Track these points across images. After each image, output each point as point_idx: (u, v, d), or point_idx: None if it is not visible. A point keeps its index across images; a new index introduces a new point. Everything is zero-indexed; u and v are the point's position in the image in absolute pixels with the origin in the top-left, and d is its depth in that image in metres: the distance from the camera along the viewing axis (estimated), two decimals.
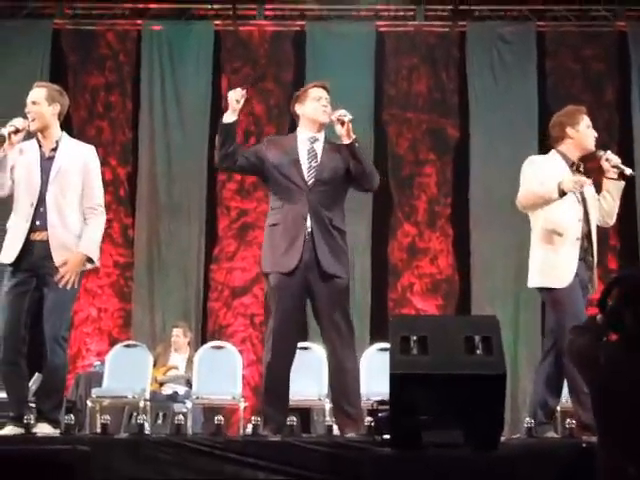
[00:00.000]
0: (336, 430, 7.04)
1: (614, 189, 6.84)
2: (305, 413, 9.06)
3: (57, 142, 6.67)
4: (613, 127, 11.39)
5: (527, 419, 7.58)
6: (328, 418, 8.27)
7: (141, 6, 11.68)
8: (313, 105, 6.62)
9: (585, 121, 6.93)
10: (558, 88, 11.57)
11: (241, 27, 11.82)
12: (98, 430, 6.97)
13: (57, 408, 6.59)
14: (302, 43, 11.76)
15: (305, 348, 9.71)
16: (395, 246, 11.22)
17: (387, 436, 5.30)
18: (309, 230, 6.37)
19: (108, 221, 7.26)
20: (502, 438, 5.30)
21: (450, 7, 11.66)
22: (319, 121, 6.61)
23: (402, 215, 11.21)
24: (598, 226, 6.94)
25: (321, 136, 6.62)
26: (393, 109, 11.32)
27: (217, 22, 11.79)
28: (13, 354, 6.44)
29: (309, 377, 9.31)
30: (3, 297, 6.53)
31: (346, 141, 6.45)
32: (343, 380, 6.40)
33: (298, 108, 6.67)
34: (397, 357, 4.98)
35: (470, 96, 11.47)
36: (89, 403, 8.85)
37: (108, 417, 7.25)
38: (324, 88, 6.71)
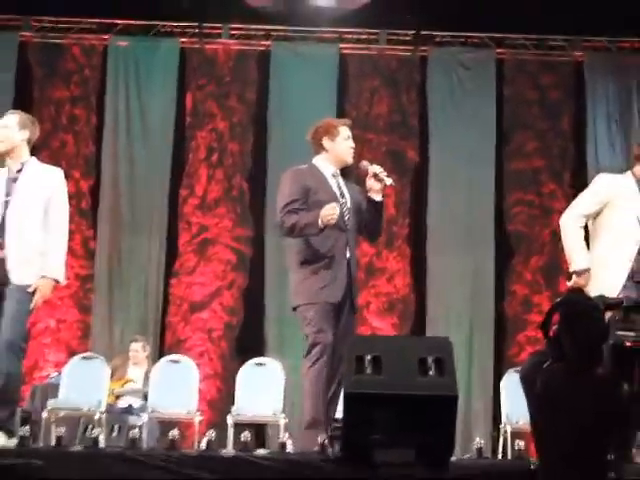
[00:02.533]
0: (290, 446, 7.04)
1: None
2: (260, 429, 8.98)
3: (22, 164, 6.79)
4: (568, 155, 11.49)
5: (477, 439, 7.59)
6: (282, 434, 8.25)
7: (108, 21, 11.65)
8: (345, 144, 6.74)
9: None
10: (515, 115, 11.66)
11: (207, 45, 11.83)
12: (53, 442, 6.89)
13: (11, 417, 6.61)
14: (267, 63, 11.81)
15: (261, 364, 9.72)
16: (363, 255, 11.26)
17: (341, 453, 5.30)
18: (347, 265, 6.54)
19: (70, 233, 7.27)
20: (453, 458, 5.29)
21: (412, 32, 11.69)
22: (346, 162, 6.75)
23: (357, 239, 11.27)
24: None
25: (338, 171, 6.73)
26: (354, 130, 11.33)
27: (183, 39, 11.80)
28: None
29: (265, 393, 9.32)
30: None
31: (378, 198, 6.59)
32: None
33: (327, 143, 6.71)
34: (351, 376, 4.97)
35: (430, 120, 11.52)
36: (45, 414, 8.77)
37: (63, 429, 7.20)
38: (349, 127, 6.82)
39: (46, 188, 6.85)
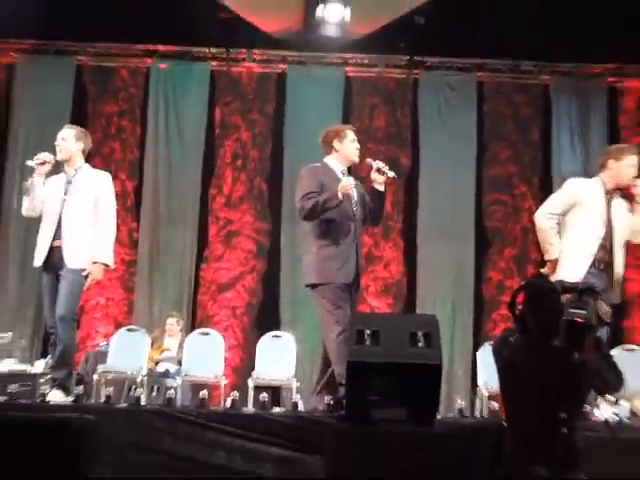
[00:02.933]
0: (300, 406, 7.09)
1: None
2: (276, 391, 9.02)
3: (77, 170, 7.07)
4: (536, 162, 11.48)
5: (458, 401, 7.64)
6: (294, 395, 8.29)
7: (150, 47, 11.66)
8: (352, 146, 6.83)
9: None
10: (493, 128, 11.65)
11: (233, 68, 11.80)
12: (102, 400, 6.95)
13: (68, 378, 6.80)
14: (283, 83, 11.80)
15: (276, 336, 9.74)
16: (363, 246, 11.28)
17: (343, 412, 5.35)
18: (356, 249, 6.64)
19: (117, 225, 7.41)
20: (438, 416, 5.36)
21: (407, 58, 11.69)
22: (353, 161, 6.87)
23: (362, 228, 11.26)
24: None
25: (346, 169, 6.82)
26: (358, 134, 11.37)
27: (213, 63, 11.79)
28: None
29: (279, 361, 9.32)
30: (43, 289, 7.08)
31: (381, 189, 6.73)
32: None
33: (337, 144, 6.81)
34: (354, 347, 5.03)
35: (421, 132, 11.52)
36: (95, 377, 8.83)
37: (111, 390, 7.30)
38: (354, 131, 6.93)
39: (96, 189, 7.07)
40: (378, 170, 6.67)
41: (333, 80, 11.76)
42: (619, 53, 11.15)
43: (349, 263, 6.53)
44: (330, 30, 10.92)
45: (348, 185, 6.45)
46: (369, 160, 6.79)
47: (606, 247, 6.79)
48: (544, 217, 6.92)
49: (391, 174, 6.69)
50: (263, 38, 11.44)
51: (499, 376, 4.88)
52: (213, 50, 11.76)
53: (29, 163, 7.05)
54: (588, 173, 11.03)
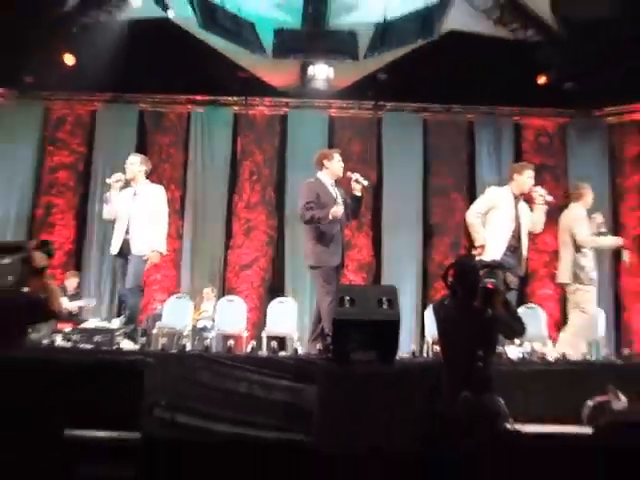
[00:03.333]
0: (300, 350, 7.12)
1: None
2: (282, 340, 9.06)
3: (140, 185, 7.33)
4: (465, 176, 11.48)
5: (412, 346, 7.68)
6: (295, 343, 8.33)
7: (190, 97, 11.68)
8: (338, 165, 6.88)
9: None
10: (434, 152, 11.66)
11: (249, 111, 11.80)
12: (159, 348, 7.01)
13: (135, 331, 7.10)
14: (285, 121, 11.79)
15: (282, 302, 9.80)
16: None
17: (330, 355, 5.38)
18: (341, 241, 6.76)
19: (168, 223, 7.52)
20: (397, 357, 5.39)
21: (373, 102, 11.71)
22: (339, 175, 6.91)
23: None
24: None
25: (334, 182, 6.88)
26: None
27: (235, 108, 11.78)
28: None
29: (284, 319, 9.39)
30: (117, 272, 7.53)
31: (359, 194, 6.84)
32: None
33: (327, 163, 6.87)
34: (337, 309, 5.05)
35: (384, 155, 11.55)
36: (154, 331, 8.88)
37: (165, 340, 7.36)
38: (339, 153, 6.99)
39: (153, 198, 7.15)
40: (356, 181, 6.82)
41: (321, 119, 11.74)
42: (521, 99, 11.22)
43: (337, 251, 6.66)
44: (318, 84, 10.94)
45: (338, 212, 6.53)
46: (349, 173, 6.88)
47: (515, 236, 6.96)
48: (472, 215, 7.09)
49: (365, 183, 6.85)
50: (270, 90, 11.50)
51: (437, 328, 4.97)
52: (235, 98, 11.72)
53: (108, 181, 7.28)
54: (501, 183, 11.13)
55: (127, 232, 7.14)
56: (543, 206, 7.10)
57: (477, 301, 4.56)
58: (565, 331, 7.30)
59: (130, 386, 3.65)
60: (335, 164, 6.88)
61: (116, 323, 7.04)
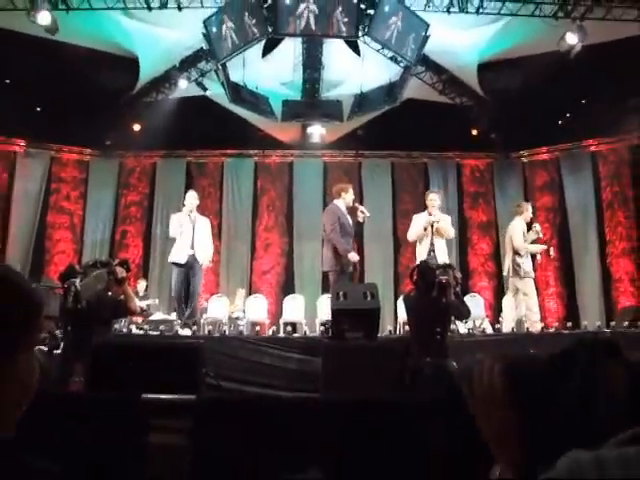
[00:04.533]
0: (307, 333, 7.09)
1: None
2: (294, 325, 9.01)
3: (195, 215, 7.26)
4: (422, 202, 11.29)
5: (388, 327, 7.64)
6: (304, 328, 8.29)
7: (223, 151, 11.67)
8: (350, 197, 6.72)
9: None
10: (400, 186, 11.64)
11: (266, 160, 11.79)
12: (206, 333, 6.98)
13: (193, 323, 6.90)
14: (292, 167, 11.76)
15: (294, 298, 9.75)
16: None
17: (330, 335, 5.38)
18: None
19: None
20: (379, 335, 5.39)
21: (354, 152, 11.71)
22: (350, 205, 6.69)
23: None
24: None
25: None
26: (331, 194, 11.32)
27: (255, 158, 11.76)
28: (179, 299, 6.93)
29: (296, 310, 9.33)
30: (174, 276, 7.15)
31: (361, 221, 6.67)
32: None
33: (344, 194, 6.69)
34: (334, 301, 5.06)
35: (364, 191, 11.37)
36: (202, 321, 8.82)
37: (210, 327, 7.32)
38: (352, 188, 6.88)
39: (204, 226, 7.04)
40: (362, 212, 6.68)
41: (317, 164, 11.72)
42: (460, 146, 11.30)
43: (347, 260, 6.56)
44: (315, 139, 10.98)
45: (354, 258, 6.53)
46: (357, 204, 6.81)
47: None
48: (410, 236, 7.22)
49: (367, 214, 6.70)
50: (280, 144, 11.54)
51: (407, 313, 4.95)
52: (255, 151, 11.70)
53: (184, 209, 7.21)
54: (448, 208, 11.20)
55: (191, 248, 7.05)
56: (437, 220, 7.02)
57: (435, 292, 4.56)
58: (518, 307, 7.21)
59: (188, 361, 3.65)
60: (349, 196, 6.73)
61: (174, 316, 6.98)
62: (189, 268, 7.04)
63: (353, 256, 6.47)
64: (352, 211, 6.81)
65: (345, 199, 6.72)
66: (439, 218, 7.02)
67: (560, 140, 10.95)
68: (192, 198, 7.37)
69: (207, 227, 7.40)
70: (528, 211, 7.40)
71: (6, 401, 0.80)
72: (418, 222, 7.11)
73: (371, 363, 4.52)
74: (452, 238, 7.18)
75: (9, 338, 0.80)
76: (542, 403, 0.78)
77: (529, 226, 7.32)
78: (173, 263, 7.18)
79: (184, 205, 7.34)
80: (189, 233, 7.13)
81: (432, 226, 6.96)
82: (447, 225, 7.08)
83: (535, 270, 7.31)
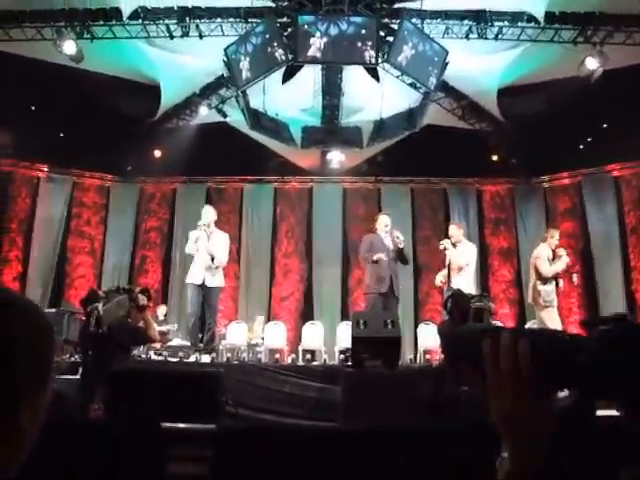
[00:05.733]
0: (327, 361, 7.05)
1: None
2: (313, 353, 8.93)
3: (212, 231, 6.99)
4: (443, 230, 11.25)
5: (409, 356, 7.56)
6: (323, 355, 8.23)
7: (243, 178, 11.75)
8: (381, 224, 7.09)
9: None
10: (419, 213, 11.60)
11: (285, 186, 11.85)
12: (225, 360, 6.94)
13: (212, 351, 6.84)
14: (311, 193, 11.80)
15: (313, 324, 9.69)
16: (351, 280, 11.21)
17: (349, 363, 5.32)
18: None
19: (228, 267, 7.42)
20: (400, 363, 5.32)
21: (373, 178, 11.72)
22: (384, 230, 7.04)
23: (354, 266, 11.22)
24: None
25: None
26: (351, 220, 11.34)
27: (275, 184, 11.82)
28: (195, 323, 6.82)
29: (315, 337, 9.26)
30: (190, 297, 6.97)
31: (400, 247, 6.92)
32: None
33: (376, 223, 7.13)
34: (354, 329, 5.01)
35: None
36: (220, 347, 8.77)
37: (229, 354, 7.28)
38: (387, 215, 7.20)
39: (220, 242, 6.97)
40: (398, 237, 6.91)
41: (336, 191, 11.75)
42: (480, 172, 11.29)
43: (382, 283, 6.79)
44: (334, 165, 11.02)
45: (381, 256, 6.72)
46: (394, 232, 7.02)
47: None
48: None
49: (402, 239, 7.00)
50: (300, 170, 11.60)
51: (442, 342, 4.87)
52: (275, 177, 11.77)
53: (200, 224, 7.03)
54: (469, 234, 11.14)
55: (206, 268, 6.86)
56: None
57: (470, 320, 4.48)
58: None
59: (207, 389, 3.62)
60: (378, 224, 7.07)
61: (205, 358, 6.67)
62: (205, 289, 6.91)
63: (379, 256, 6.70)
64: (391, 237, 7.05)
65: (377, 226, 7.05)
66: (447, 246, 7.06)
67: (582, 165, 10.88)
68: (208, 213, 7.20)
69: (224, 242, 7.15)
70: (553, 237, 7.25)
71: (4, 452, 0.73)
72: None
73: (392, 392, 4.46)
74: (465, 266, 7.06)
75: (10, 387, 0.71)
76: (566, 381, 0.76)
77: (554, 253, 7.20)
78: (190, 284, 7.05)
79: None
80: (204, 252, 6.94)
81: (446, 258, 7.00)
82: (458, 254, 7.06)
83: (557, 296, 7.18)
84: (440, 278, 7.23)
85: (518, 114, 9.90)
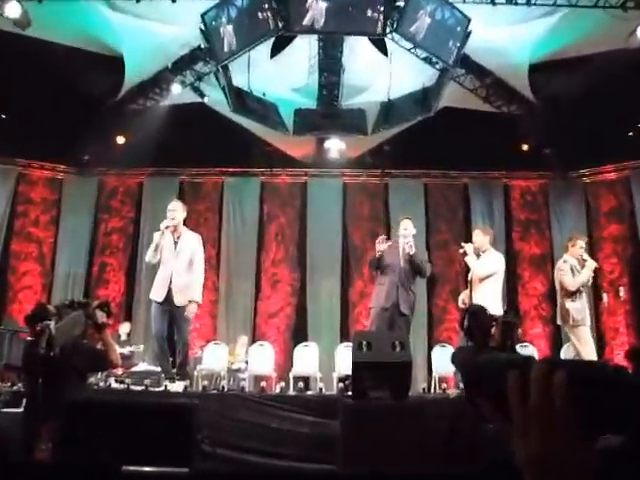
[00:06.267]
0: (323, 390, 7.05)
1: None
2: (307, 380, 8.92)
3: (180, 233, 6.81)
4: (462, 232, 11.21)
5: (422, 384, 7.57)
6: (319, 383, 8.22)
7: (223, 169, 11.76)
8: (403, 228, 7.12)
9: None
10: (434, 212, 11.62)
11: (274, 179, 11.87)
12: (200, 388, 6.92)
13: (185, 377, 6.76)
14: (305, 188, 11.83)
15: (306, 345, 9.70)
16: (353, 292, 11.22)
17: (350, 393, 5.32)
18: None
19: (206, 277, 7.39)
20: (410, 393, 5.32)
21: (380, 170, 11.74)
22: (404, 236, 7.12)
23: (356, 276, 11.22)
24: None
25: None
26: (353, 221, 11.33)
27: (262, 177, 11.83)
28: (162, 346, 6.71)
29: (308, 361, 9.26)
30: (154, 316, 6.75)
31: (410, 253, 6.95)
32: None
33: (399, 228, 7.27)
34: (356, 353, 5.01)
35: (390, 215, 11.34)
36: (195, 373, 8.78)
37: (206, 381, 7.27)
38: (408, 219, 7.31)
39: (192, 245, 6.87)
40: (406, 240, 7.04)
41: (335, 185, 11.77)
42: (508, 164, 11.31)
43: (385, 297, 6.90)
44: (333, 155, 11.03)
45: (379, 247, 6.93)
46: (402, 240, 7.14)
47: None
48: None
49: (411, 242, 7.04)
50: (292, 161, 11.62)
51: (459, 370, 4.89)
52: (262, 169, 11.78)
53: (162, 227, 6.75)
54: (494, 237, 11.13)
55: (171, 282, 6.65)
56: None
57: (497, 337, 4.46)
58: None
59: (179, 425, 3.61)
60: (399, 230, 7.25)
61: (177, 386, 6.52)
62: (171, 306, 6.72)
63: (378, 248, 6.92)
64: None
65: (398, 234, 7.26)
66: (468, 250, 7.14)
67: (630, 156, 10.91)
68: (178, 210, 6.91)
69: (195, 248, 6.90)
70: (575, 246, 7.27)
71: None
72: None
73: (400, 429, 4.46)
74: (488, 277, 7.07)
75: None
76: (609, 424, 0.76)
77: (581, 263, 7.22)
78: (152, 300, 6.87)
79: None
80: (170, 258, 6.74)
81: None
82: (481, 264, 7.09)
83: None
84: (463, 297, 7.24)
85: (553, 94, 9.93)
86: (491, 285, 6.99)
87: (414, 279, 7.11)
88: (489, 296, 6.74)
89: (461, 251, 7.14)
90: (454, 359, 4.83)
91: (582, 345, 6.96)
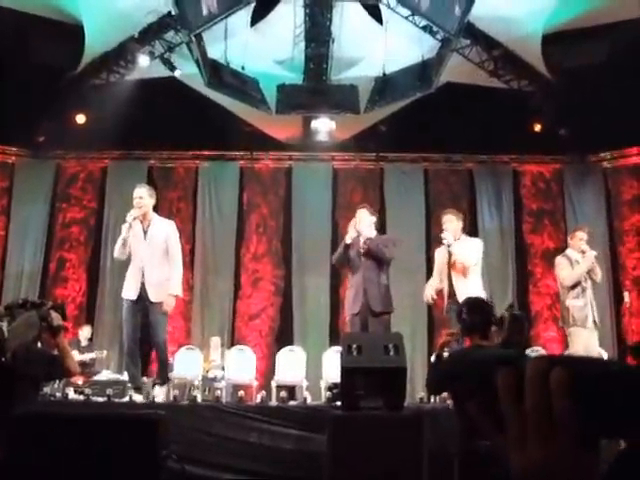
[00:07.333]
0: (309, 399, 7.06)
1: None
2: (291, 389, 8.92)
3: (150, 220, 6.69)
4: (466, 222, 11.23)
5: (420, 393, 7.58)
6: (304, 392, 8.24)
7: (198, 153, 11.73)
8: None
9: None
10: (435, 200, 11.59)
11: (255, 165, 11.85)
12: (170, 399, 6.90)
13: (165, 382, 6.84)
14: (290, 174, 11.82)
15: (291, 350, 9.71)
16: (343, 291, 11.21)
17: (339, 403, 5.33)
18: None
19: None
20: (405, 403, 5.33)
21: (374, 154, 11.74)
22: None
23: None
24: None
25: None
26: (344, 211, 11.32)
27: (241, 162, 11.82)
28: (132, 350, 6.58)
29: (293, 367, 9.27)
30: (125, 316, 6.65)
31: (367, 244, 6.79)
32: None
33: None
34: (345, 357, 5.01)
35: (386, 204, 11.44)
36: None
37: (177, 391, 7.27)
38: (364, 209, 7.16)
39: (165, 232, 6.78)
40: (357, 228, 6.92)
41: (324, 171, 11.76)
42: (518, 146, 11.29)
43: (354, 300, 6.78)
44: (321, 137, 11.02)
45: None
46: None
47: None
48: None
49: (360, 229, 6.91)
50: (275, 143, 11.60)
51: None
52: (241, 153, 11.77)
53: (128, 219, 6.60)
54: (502, 230, 11.14)
55: (143, 275, 6.57)
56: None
57: (504, 333, 4.46)
58: None
59: (143, 439, 3.60)
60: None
61: (161, 393, 6.59)
62: (145, 305, 6.63)
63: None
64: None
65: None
66: (449, 240, 6.89)
67: None
68: (145, 197, 6.75)
69: (169, 234, 6.79)
70: (575, 239, 7.21)
71: None
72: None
73: (394, 443, 4.46)
74: (472, 266, 6.96)
75: None
76: (615, 426, 0.75)
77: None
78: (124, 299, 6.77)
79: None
80: (139, 253, 6.66)
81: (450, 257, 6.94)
82: (462, 251, 6.91)
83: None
84: (430, 291, 7.08)
85: (569, 68, 9.96)
86: (476, 274, 6.95)
87: (381, 269, 6.78)
88: (476, 287, 6.68)
89: (444, 242, 6.94)
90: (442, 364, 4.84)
91: (572, 349, 6.94)
